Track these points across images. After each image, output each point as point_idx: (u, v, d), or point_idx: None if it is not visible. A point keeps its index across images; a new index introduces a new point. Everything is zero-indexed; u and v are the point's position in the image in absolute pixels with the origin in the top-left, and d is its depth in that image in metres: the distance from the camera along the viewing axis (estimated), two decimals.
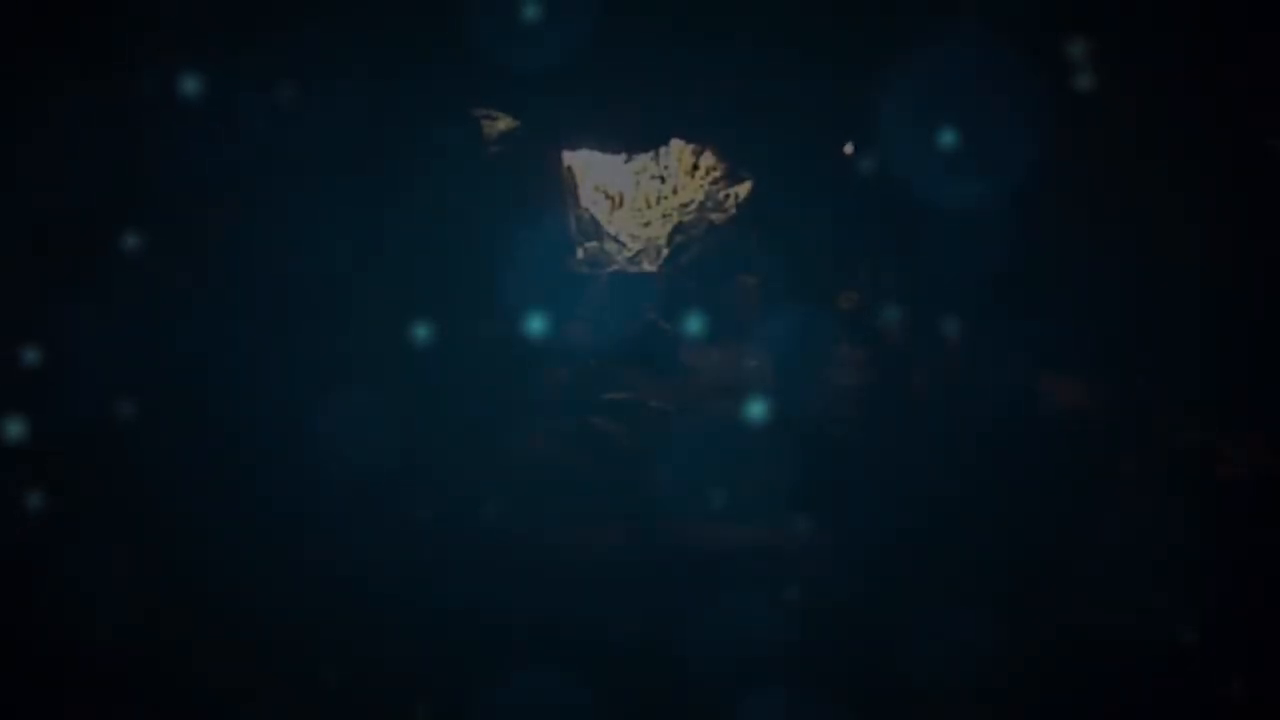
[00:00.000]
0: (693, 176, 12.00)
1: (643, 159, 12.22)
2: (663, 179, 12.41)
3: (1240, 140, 6.07)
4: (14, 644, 4.38)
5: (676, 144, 11.47)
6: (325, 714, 4.32)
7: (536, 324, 9.05)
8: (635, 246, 11.45)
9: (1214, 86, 5.67)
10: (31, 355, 4.87)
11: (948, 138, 6.25)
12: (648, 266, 10.72)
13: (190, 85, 5.35)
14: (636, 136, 9.78)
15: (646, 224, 11.92)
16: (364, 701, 4.38)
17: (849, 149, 7.48)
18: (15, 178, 4.78)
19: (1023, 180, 6.61)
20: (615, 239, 11.53)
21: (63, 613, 4.55)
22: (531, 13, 6.40)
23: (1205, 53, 5.32)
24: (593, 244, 11.06)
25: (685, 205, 11.66)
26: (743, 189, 11.13)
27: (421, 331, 7.11)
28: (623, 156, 11.79)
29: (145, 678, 4.39)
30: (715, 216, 11.03)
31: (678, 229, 11.15)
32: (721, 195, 11.36)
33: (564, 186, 10.97)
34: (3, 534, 4.73)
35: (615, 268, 10.47)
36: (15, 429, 4.85)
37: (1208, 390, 7.04)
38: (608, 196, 12.26)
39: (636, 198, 12.41)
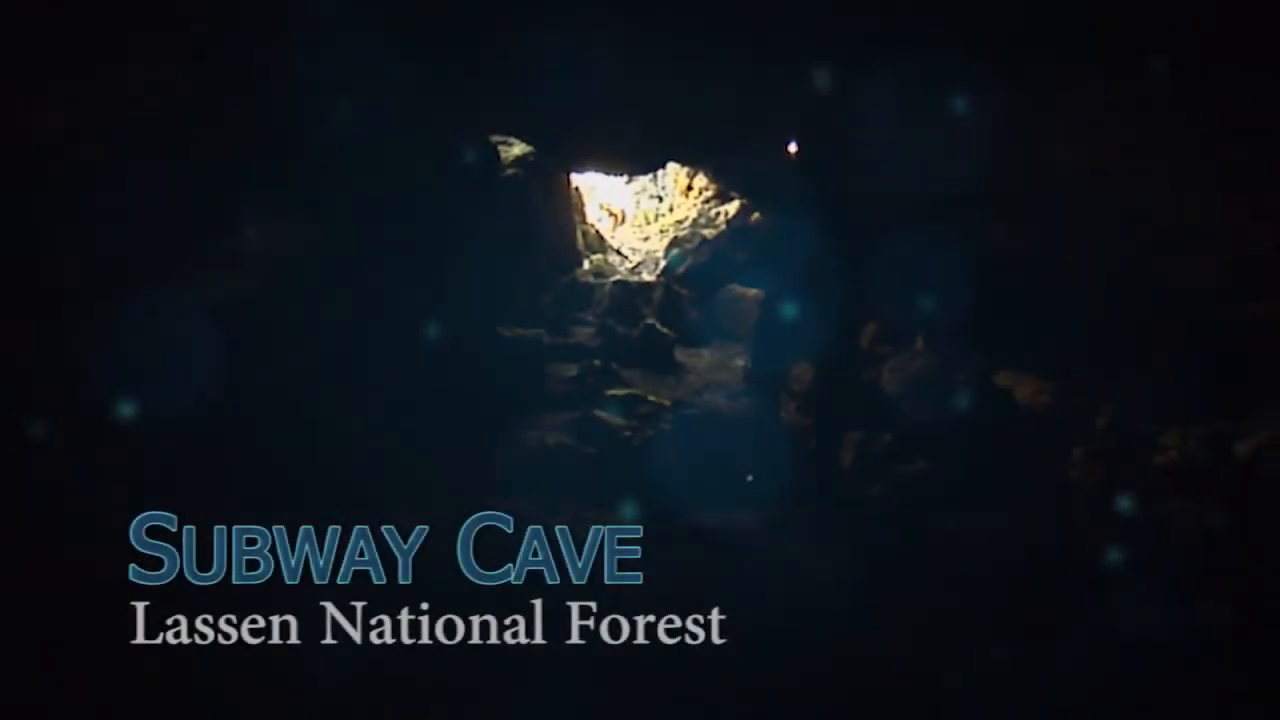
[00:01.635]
0: (687, 196, 12.02)
1: (642, 180, 12.22)
2: (660, 198, 12.42)
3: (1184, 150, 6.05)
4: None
5: (673, 167, 11.48)
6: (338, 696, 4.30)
7: (547, 327, 9.07)
8: (636, 259, 11.45)
9: (1174, 103, 5.64)
10: (101, 353, 4.88)
11: (916, 151, 6.25)
12: (647, 276, 10.70)
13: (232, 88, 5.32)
14: (637, 160, 9.77)
15: (646, 238, 11.91)
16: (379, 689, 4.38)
17: (793, 148, 7.42)
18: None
19: (984, 189, 6.62)
20: (618, 252, 11.51)
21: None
22: (546, 55, 6.45)
23: (1171, 65, 5.28)
24: (597, 256, 11.04)
25: (680, 222, 11.66)
26: (732, 207, 11.16)
27: (443, 333, 7.11)
28: (624, 178, 11.81)
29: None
30: (707, 231, 11.04)
31: (674, 243, 11.16)
32: (713, 212, 11.38)
33: (571, 205, 10.96)
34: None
35: (618, 277, 10.43)
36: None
37: (1153, 387, 7.03)
38: (611, 214, 12.25)
39: (637, 215, 12.41)
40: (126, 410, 4.85)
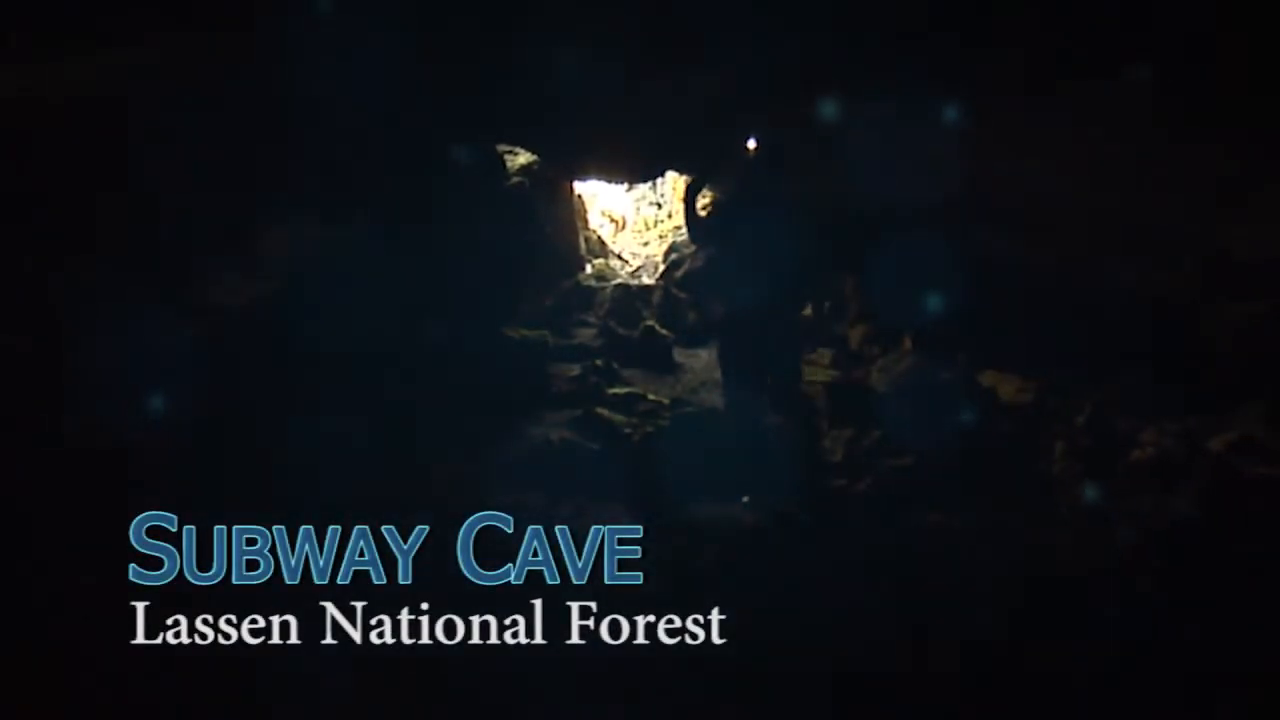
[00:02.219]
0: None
1: (642, 188, 12.05)
2: (659, 205, 12.24)
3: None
4: None
5: (672, 175, 11.27)
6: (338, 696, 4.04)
7: (551, 329, 8.90)
8: (636, 263, 11.25)
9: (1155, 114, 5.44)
10: (103, 353, 4.59)
11: (902, 160, 6.04)
12: (646, 280, 10.52)
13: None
14: (637, 169, 9.63)
15: (645, 243, 11.75)
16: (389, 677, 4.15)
17: (751, 144, 7.14)
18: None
19: (970, 195, 6.43)
20: (619, 256, 11.36)
21: None
22: (551, 67, 6.29)
23: (1151, 70, 5.07)
24: (599, 261, 10.88)
25: (678, 228, 11.47)
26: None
27: (449, 335, 6.95)
28: (625, 186, 11.61)
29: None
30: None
31: (672, 248, 10.94)
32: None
33: (574, 212, 10.78)
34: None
35: (619, 281, 10.26)
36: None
37: (1132, 387, 6.86)
38: (612, 220, 12.10)
39: (637, 221, 12.24)
40: (127, 410, 4.57)
